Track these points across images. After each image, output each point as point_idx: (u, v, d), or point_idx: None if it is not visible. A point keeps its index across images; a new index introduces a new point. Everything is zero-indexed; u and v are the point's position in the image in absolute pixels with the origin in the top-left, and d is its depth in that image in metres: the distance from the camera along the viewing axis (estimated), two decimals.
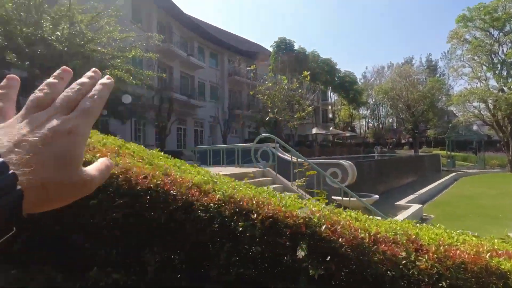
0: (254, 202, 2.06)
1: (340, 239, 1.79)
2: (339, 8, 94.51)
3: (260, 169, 7.34)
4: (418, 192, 11.38)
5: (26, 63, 7.06)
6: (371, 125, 51.16)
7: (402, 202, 9.42)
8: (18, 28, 7.14)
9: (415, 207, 8.54)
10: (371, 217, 2.43)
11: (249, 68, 21.61)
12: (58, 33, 7.53)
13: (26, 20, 7.45)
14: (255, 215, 1.96)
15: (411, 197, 10.29)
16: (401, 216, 6.85)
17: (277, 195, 2.38)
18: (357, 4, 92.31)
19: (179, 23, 22.09)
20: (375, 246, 1.73)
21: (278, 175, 7.26)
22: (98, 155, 2.25)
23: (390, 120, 47.59)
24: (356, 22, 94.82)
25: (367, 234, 1.79)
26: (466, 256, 1.58)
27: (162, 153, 2.77)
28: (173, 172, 2.36)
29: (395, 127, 45.26)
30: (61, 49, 7.35)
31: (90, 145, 2.48)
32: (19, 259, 2.24)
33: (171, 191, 2.10)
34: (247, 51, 30.26)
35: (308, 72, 16.33)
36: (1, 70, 7.88)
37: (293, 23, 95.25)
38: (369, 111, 48.98)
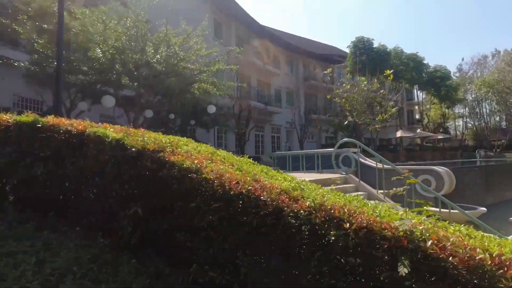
0: (346, 210, 1.98)
1: (450, 258, 1.57)
2: None
3: (342, 175, 7.04)
4: None
5: (135, 83, 8.45)
6: (470, 125, 44.01)
7: None
8: (129, 55, 8.61)
9: None
10: (486, 234, 2.08)
11: (325, 72, 21.13)
12: (158, 56, 8.83)
13: (135, 48, 8.93)
14: (348, 225, 1.88)
15: None
16: None
17: (369, 204, 2.24)
18: None
19: (255, 35, 23.15)
20: (501, 271, 1.46)
21: (361, 182, 6.84)
22: (196, 161, 2.49)
23: (498, 118, 40.10)
24: (447, 7, 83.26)
25: (487, 255, 1.53)
26: None
27: (250, 160, 2.91)
28: (262, 178, 2.44)
29: (503, 127, 37.88)
30: (160, 69, 8.57)
31: (188, 152, 2.77)
32: (136, 251, 2.63)
33: (262, 197, 2.18)
34: (322, 55, 29.69)
35: (391, 71, 15.04)
36: (118, 91, 9.57)
37: (370, 21, 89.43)
38: (467, 109, 42.23)
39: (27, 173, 2.80)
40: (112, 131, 2.87)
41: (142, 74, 8.89)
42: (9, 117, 2.97)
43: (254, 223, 2.13)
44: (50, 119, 2.96)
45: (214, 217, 2.24)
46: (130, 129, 2.98)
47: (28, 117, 2.94)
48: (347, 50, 26.35)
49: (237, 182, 2.28)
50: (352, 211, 1.99)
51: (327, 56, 30.00)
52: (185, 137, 3.51)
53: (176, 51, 9.07)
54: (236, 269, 2.30)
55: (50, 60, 8.28)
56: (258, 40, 23.83)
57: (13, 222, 2.61)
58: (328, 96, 17.12)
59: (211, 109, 11.54)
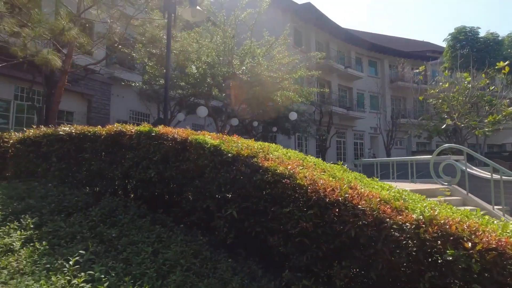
0: (466, 227, 1.71)
1: None
2: None
3: (444, 186, 6.15)
4: None
5: (223, 94, 9.18)
6: None
7: None
8: (218, 69, 9.41)
9: None
10: None
11: (417, 70, 18.98)
12: (244, 67, 9.40)
13: (223, 62, 9.73)
14: (470, 244, 1.61)
15: None
16: None
17: (496, 222, 1.88)
18: None
19: (335, 38, 22.42)
20: None
21: (469, 195, 5.85)
22: (289, 167, 2.51)
23: None
24: None
25: None
26: None
27: (345, 167, 2.80)
28: (358, 186, 2.31)
29: None
30: (245, 80, 9.11)
31: (279, 158, 2.82)
32: (231, 250, 2.78)
33: (359, 205, 2.05)
34: (411, 52, 26.86)
35: (506, 63, 12.58)
36: (208, 102, 10.55)
37: (475, 7, 76.79)
38: None
39: (144, 174, 3.28)
40: (210, 138, 3.14)
41: (229, 85, 9.60)
42: (132, 127, 3.55)
43: (351, 233, 2.02)
44: (161, 128, 3.42)
45: (308, 224, 2.20)
46: (225, 136, 3.21)
47: (145, 127, 3.45)
48: (443, 45, 23.20)
49: (333, 189, 2.21)
50: (474, 229, 1.71)
51: (418, 53, 27.03)
52: (273, 144, 3.61)
53: (260, 61, 9.50)
54: (330, 281, 2.21)
55: (157, 78, 9.71)
56: (338, 44, 23.07)
57: (134, 216, 3.08)
58: (421, 98, 15.34)
59: (293, 116, 11.62)
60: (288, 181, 2.38)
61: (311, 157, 3.22)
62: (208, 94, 9.48)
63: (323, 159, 15.74)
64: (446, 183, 6.25)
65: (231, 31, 9.61)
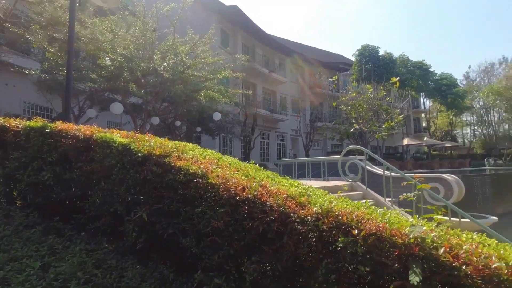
0: (354, 216, 1.94)
1: (464, 267, 1.51)
2: (429, 5, 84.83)
3: (348, 183, 6.95)
4: None
5: (142, 91, 8.54)
6: (478, 133, 43.41)
7: None
8: (137, 63, 8.73)
9: None
10: (501, 243, 2.01)
11: (331, 80, 21.15)
12: (165, 63, 8.92)
13: (143, 56, 9.07)
14: (356, 231, 1.83)
15: None
16: None
17: (378, 211, 2.19)
18: None
19: (261, 43, 23.36)
20: None
21: (368, 189, 6.74)
22: (201, 166, 2.48)
23: (506, 127, 39.48)
24: (452, 16, 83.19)
25: (503, 264, 1.47)
26: None
27: (257, 165, 2.89)
28: (268, 184, 2.42)
29: None
30: (167, 77, 8.66)
31: (194, 158, 2.76)
32: (141, 256, 2.60)
33: (268, 202, 2.15)
34: (327, 63, 29.79)
35: (397, 78, 14.99)
36: (125, 99, 9.70)
37: (376, 30, 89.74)
38: (474, 117, 41.75)
39: (35, 177, 2.82)
40: (119, 136, 2.89)
41: (150, 82, 9.00)
42: (18, 122, 3.00)
43: (260, 229, 2.10)
44: (58, 124, 2.99)
45: (220, 223, 2.21)
46: (137, 134, 2.99)
47: (36, 122, 2.97)
48: (353, 58, 26.41)
49: (243, 188, 2.26)
50: (360, 218, 1.95)
51: (333, 64, 30.10)
52: (191, 143, 3.52)
53: (183, 59, 9.17)
54: (241, 277, 2.25)
55: (60, 68, 8.43)
56: (263, 48, 24.03)
57: (19, 226, 2.61)
58: (334, 104, 17.15)
59: (217, 116, 11.59)
60: (201, 180, 2.35)
61: (228, 156, 3.25)
62: (125, 89, 8.73)
63: (248, 159, 16.16)
64: (351, 180, 7.08)
65: (152, 24, 9.05)
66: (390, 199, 6.32)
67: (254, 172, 2.78)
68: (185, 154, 2.74)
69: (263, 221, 2.10)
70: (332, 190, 5.55)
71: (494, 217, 6.67)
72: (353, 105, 16.35)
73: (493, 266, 1.44)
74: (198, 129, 12.76)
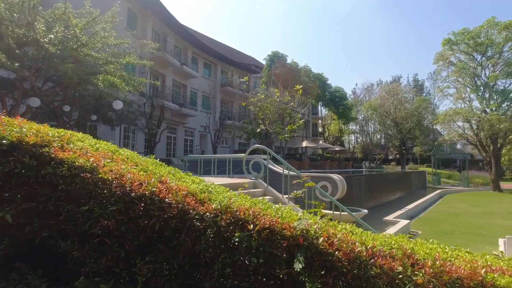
0: (251, 212, 2.04)
1: (337, 252, 1.77)
2: (330, 25, 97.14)
3: (252, 180, 7.30)
4: (405, 208, 11.50)
5: (16, 64, 6.90)
6: (359, 140, 52.05)
7: (390, 217, 9.49)
8: (9, 28, 7.01)
9: (402, 222, 8.61)
10: (365, 231, 2.44)
11: (242, 80, 21.79)
12: (52, 35, 7.42)
13: (19, 21, 7.33)
14: (252, 226, 1.93)
15: (398, 212, 10.38)
16: (389, 231, 6.88)
17: (273, 207, 2.36)
18: (347, 22, 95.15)
19: (174, 32, 22.22)
20: (372, 260, 1.72)
21: (269, 187, 7.23)
22: (91, 159, 2.19)
23: (378, 136, 48.50)
24: (347, 40, 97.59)
25: (364, 248, 1.79)
26: (462, 271, 1.59)
27: (157, 160, 2.72)
28: (168, 180, 2.32)
29: (383, 143, 46.13)
30: (53, 51, 7.23)
31: (83, 149, 2.42)
32: (2, 266, 2.13)
33: (166, 199, 2.06)
34: (240, 63, 30.58)
35: (300, 86, 16.55)
36: None
37: (285, 38, 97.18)
38: (358, 126, 49.87)
39: None
40: None
41: (28, 54, 7.34)
42: None
43: (156, 227, 1.99)
44: None
45: (110, 222, 2.00)
46: (2, 117, 2.42)
47: None
48: (264, 62, 27.88)
49: (140, 183, 2.10)
50: (256, 213, 2.06)
51: (245, 65, 31.08)
52: (81, 133, 3.06)
53: (77, 34, 7.84)
54: (133, 278, 2.09)
55: None
56: (176, 39, 22.97)
57: None
58: (243, 104, 17.68)
59: (118, 104, 10.42)
60: (89, 175, 2.08)
61: (126, 150, 2.97)
62: None
63: (152, 154, 15.18)
64: (254, 178, 7.45)
65: None
66: (287, 195, 6.92)
67: (154, 167, 2.61)
68: (72, 145, 2.37)
69: (160, 218, 2.00)
70: (235, 187, 5.74)
71: (365, 210, 8.07)
72: (261, 106, 17.23)
73: (356, 250, 1.73)
74: (94, 117, 11.21)
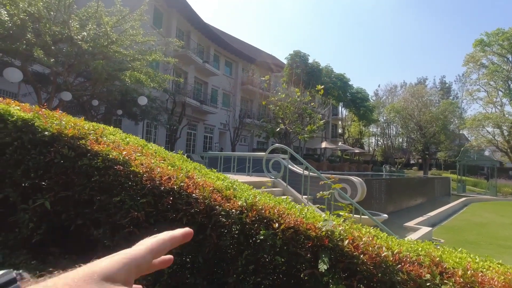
0: (276, 211, 2.06)
1: (362, 256, 1.76)
2: (354, 25, 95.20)
3: (271, 179, 7.32)
4: (427, 214, 11.14)
5: (52, 59, 7.27)
6: (380, 143, 50.77)
7: (411, 223, 9.23)
8: (47, 26, 7.39)
9: (424, 229, 8.35)
10: (389, 236, 2.40)
11: (263, 78, 21.85)
12: (85, 33, 7.76)
13: (55, 19, 7.71)
14: (277, 225, 1.95)
15: (420, 219, 10.08)
16: (410, 238, 6.69)
17: (297, 207, 2.37)
18: (372, 22, 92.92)
19: (197, 31, 22.58)
20: (399, 266, 1.70)
21: (288, 187, 7.22)
22: (124, 153, 2.28)
23: (400, 140, 47.14)
24: (371, 40, 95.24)
25: (390, 252, 1.77)
26: (496, 283, 1.54)
27: (185, 156, 2.79)
28: (195, 175, 2.37)
29: (405, 147, 44.76)
30: (85, 48, 7.57)
31: (115, 142, 2.52)
32: (39, 250, 2.27)
33: (194, 194, 2.11)
34: (261, 62, 30.63)
35: (322, 86, 16.35)
36: (27, 65, 8.14)
37: (308, 38, 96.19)
38: (379, 129, 48.67)
39: None
40: (17, 109, 2.44)
41: (63, 50, 7.72)
42: None
43: (184, 221, 2.05)
44: None
45: (141, 214, 2.08)
46: (43, 110, 2.57)
47: None
48: (285, 61, 27.76)
49: (169, 178, 2.17)
50: (281, 212, 2.08)
51: (266, 64, 31.08)
52: (111, 127, 3.20)
53: (108, 32, 8.16)
54: (159, 271, 2.17)
55: None
56: (199, 37, 23.31)
57: None
58: (264, 102, 17.70)
59: (142, 100, 10.75)
60: (122, 167, 2.17)
61: (153, 144, 3.07)
62: (27, 54, 7.30)
63: (173, 149, 15.54)
64: (273, 177, 7.46)
65: None
66: (306, 196, 6.89)
67: (181, 162, 2.69)
68: (105, 138, 2.49)
69: (187, 212, 2.06)
70: (256, 185, 5.77)
71: (385, 215, 7.90)
72: (281, 106, 17.19)
73: (382, 255, 1.71)
74: (120, 112, 11.62)
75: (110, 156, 2.19)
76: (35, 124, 2.27)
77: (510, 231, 9.67)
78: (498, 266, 1.89)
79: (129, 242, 1.57)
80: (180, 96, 18.16)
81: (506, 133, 21.93)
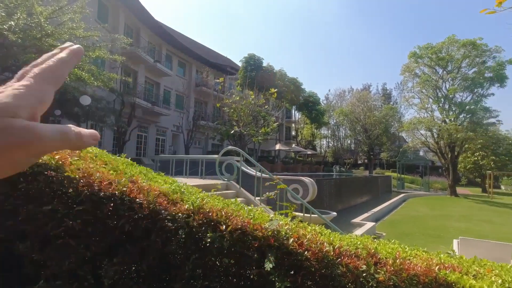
0: (223, 213, 2.05)
1: (306, 252, 1.84)
2: (305, 32, 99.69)
3: (224, 182, 7.28)
4: (372, 210, 12.05)
5: None
6: (331, 145, 53.65)
7: (357, 219, 9.90)
8: None
9: (369, 224, 9.02)
10: (333, 232, 2.54)
11: (217, 80, 21.67)
12: (12, 22, 6.89)
13: None
14: (224, 227, 1.94)
15: (365, 215, 10.86)
16: (356, 233, 7.17)
17: (246, 208, 2.39)
18: (322, 30, 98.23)
19: (148, 28, 21.60)
20: (339, 259, 1.80)
21: (241, 189, 7.24)
22: (57, 157, 2.09)
23: (349, 142, 50.34)
24: (321, 47, 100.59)
25: (331, 247, 1.87)
26: (419, 268, 1.71)
27: (129, 160, 2.64)
28: (140, 179, 2.27)
29: (353, 148, 47.90)
30: (14, 40, 6.72)
31: None
32: None
33: (138, 199, 2.01)
34: (216, 64, 30.38)
35: (275, 90, 16.76)
36: None
37: (262, 42, 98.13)
38: (329, 131, 51.41)
39: None
40: None
41: None
42: None
43: (126, 228, 1.94)
44: None
45: (76, 222, 1.92)
46: None
47: None
48: (240, 64, 27.92)
49: (110, 183, 2.04)
50: (229, 214, 2.07)
51: (221, 66, 30.94)
52: None
53: (42, 23, 7.34)
54: (99, 281, 2.02)
55: None
56: (150, 35, 22.36)
57: None
58: (218, 105, 17.56)
59: (85, 100, 9.92)
60: (54, 173, 1.98)
61: (95, 148, 2.86)
62: None
63: (121, 152, 14.62)
64: (226, 179, 7.43)
65: None
66: (259, 197, 6.98)
67: (124, 166, 2.54)
68: None
69: (130, 218, 1.95)
70: (208, 188, 5.69)
71: (335, 213, 8.34)
72: (236, 108, 17.22)
73: (324, 250, 1.80)
74: (58, 112, 10.56)
75: (40, 161, 1.99)
76: None
77: (439, 222, 10.90)
78: (423, 254, 2.11)
79: (63, 254, 1.44)
80: (129, 96, 17.19)
81: (435, 135, 24.70)
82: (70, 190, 1.97)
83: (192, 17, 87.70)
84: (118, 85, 16.32)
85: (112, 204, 1.96)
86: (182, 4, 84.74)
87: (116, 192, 1.99)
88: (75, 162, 2.14)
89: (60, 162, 2.03)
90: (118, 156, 2.94)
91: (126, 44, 10.91)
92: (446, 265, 1.82)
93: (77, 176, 1.99)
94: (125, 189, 2.02)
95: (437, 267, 1.75)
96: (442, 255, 2.15)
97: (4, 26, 6.88)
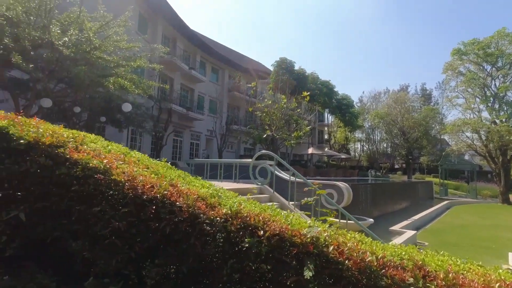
0: (261, 218, 2.04)
1: (347, 261, 1.76)
2: (338, 33, 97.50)
3: (258, 186, 7.29)
4: (412, 218, 11.34)
5: (31, 65, 7.06)
6: (365, 148, 51.70)
7: (396, 227, 9.37)
8: (26, 31, 7.19)
9: (409, 233, 8.49)
10: (374, 240, 2.41)
11: (249, 85, 21.94)
12: (66, 38, 7.59)
13: (35, 24, 7.53)
14: (262, 232, 1.93)
15: (405, 222, 10.24)
16: (395, 241, 6.79)
17: (282, 213, 2.36)
18: (355, 30, 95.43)
19: (183, 37, 22.50)
20: (383, 270, 1.71)
21: (275, 193, 7.21)
22: (105, 161, 2.22)
23: (385, 145, 48.14)
24: (355, 48, 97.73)
25: (374, 257, 1.78)
26: (476, 285, 1.57)
27: (168, 164, 2.75)
28: (179, 183, 2.33)
29: (389, 152, 45.73)
30: (67, 54, 7.39)
31: (96, 150, 2.46)
32: (12, 264, 2.15)
33: (178, 203, 2.07)
34: (248, 69, 30.76)
35: (308, 93, 16.54)
36: (4, 71, 7.85)
37: (294, 45, 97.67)
38: (364, 134, 49.60)
39: None
40: None
41: (42, 56, 7.51)
42: None
43: (167, 230, 2.00)
44: None
45: (122, 224, 2.02)
46: (19, 117, 2.48)
47: None
48: (271, 68, 28.01)
49: (152, 186, 2.12)
50: (266, 219, 2.06)
51: (253, 71, 31.23)
52: (92, 134, 3.11)
53: (90, 37, 8.01)
54: (142, 281, 2.10)
55: None
56: (185, 43, 23.25)
57: None
58: (250, 109, 17.72)
59: (127, 107, 10.56)
60: (103, 176, 2.11)
61: (137, 152, 3.01)
62: (5, 59, 7.07)
63: (158, 157, 15.29)
64: (260, 183, 7.44)
65: None
66: (293, 202, 6.89)
67: (164, 170, 2.64)
68: (85, 146, 2.41)
69: (170, 221, 2.01)
70: (242, 192, 5.74)
71: (371, 219, 7.98)
72: (268, 112, 17.25)
73: (367, 260, 1.71)
74: (103, 119, 11.35)
75: (90, 164, 2.13)
76: (10, 132, 2.18)
77: (489, 232, 9.97)
78: (478, 268, 1.93)
79: (110, 253, 1.50)
80: (166, 103, 17.96)
81: (483, 138, 22.76)
82: (117, 193, 2.08)
83: (224, 24, 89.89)
84: (156, 92, 17.15)
85: (154, 207, 2.04)
86: (215, 11, 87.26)
87: (158, 195, 2.06)
88: (121, 166, 2.25)
89: (108, 166, 2.15)
90: (158, 160, 3.06)
91: (163, 53, 11.43)
92: (508, 283, 1.64)
93: (122, 180, 2.10)
94: (166, 192, 2.09)
95: (497, 284, 1.59)
96: (500, 271, 1.95)
97: (59, 42, 7.57)
